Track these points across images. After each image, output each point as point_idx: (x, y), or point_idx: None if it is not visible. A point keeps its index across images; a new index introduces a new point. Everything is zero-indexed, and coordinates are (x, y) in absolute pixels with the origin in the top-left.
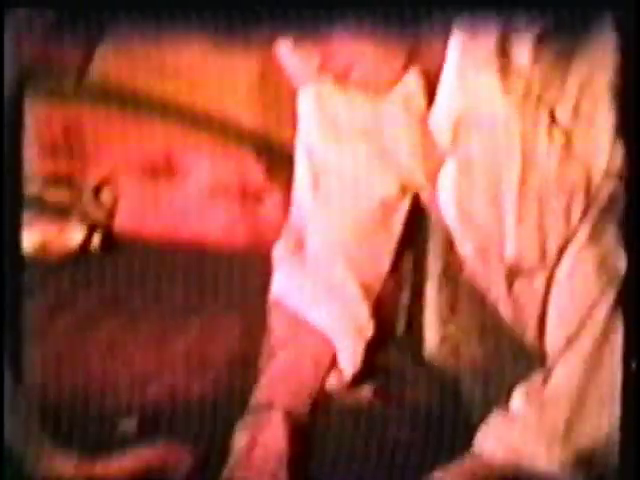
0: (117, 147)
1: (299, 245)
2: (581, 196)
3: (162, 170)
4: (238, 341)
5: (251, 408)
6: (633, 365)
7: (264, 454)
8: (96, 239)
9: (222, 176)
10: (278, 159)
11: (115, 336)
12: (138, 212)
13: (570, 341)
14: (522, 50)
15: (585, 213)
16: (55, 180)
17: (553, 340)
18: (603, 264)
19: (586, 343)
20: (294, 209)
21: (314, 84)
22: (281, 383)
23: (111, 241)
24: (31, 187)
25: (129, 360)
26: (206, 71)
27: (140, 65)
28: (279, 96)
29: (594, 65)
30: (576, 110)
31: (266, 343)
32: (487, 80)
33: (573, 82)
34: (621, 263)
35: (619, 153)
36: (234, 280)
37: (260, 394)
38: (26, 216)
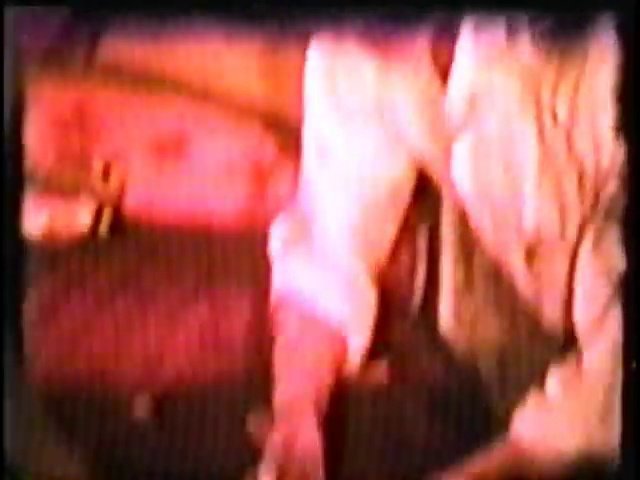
0: (127, 126)
1: (303, 229)
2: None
3: (172, 149)
4: (250, 322)
5: (277, 410)
6: (633, 365)
7: (302, 456)
8: (105, 219)
9: (234, 154)
10: (290, 135)
11: (125, 318)
12: (148, 191)
13: (598, 323)
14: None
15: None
16: (65, 158)
17: (582, 321)
18: (604, 265)
19: (613, 325)
20: (301, 190)
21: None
22: (303, 384)
23: (120, 221)
24: (40, 167)
25: (140, 342)
26: (215, 49)
27: (149, 44)
28: (288, 72)
29: (593, 65)
30: (574, 109)
31: (278, 342)
32: (499, 62)
33: (570, 81)
34: (621, 263)
35: (619, 153)
36: (246, 259)
37: (283, 395)
38: (33, 197)
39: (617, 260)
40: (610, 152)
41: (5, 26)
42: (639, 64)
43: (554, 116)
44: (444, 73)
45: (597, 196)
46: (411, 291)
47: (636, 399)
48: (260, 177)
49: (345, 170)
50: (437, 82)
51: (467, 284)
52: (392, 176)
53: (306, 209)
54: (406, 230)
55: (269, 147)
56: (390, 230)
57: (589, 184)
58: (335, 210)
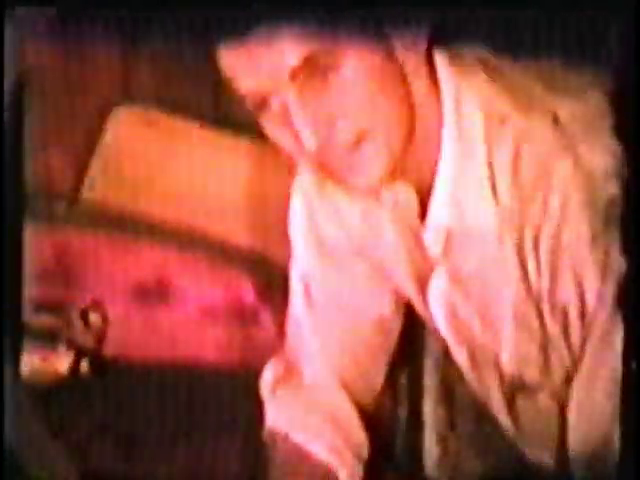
0: (107, 271)
1: (292, 370)
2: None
3: (153, 293)
4: (233, 463)
5: None
6: (633, 365)
7: None
8: (85, 364)
9: (214, 298)
10: (270, 279)
11: (106, 463)
12: (129, 336)
13: None
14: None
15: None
16: (44, 306)
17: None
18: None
19: None
20: (289, 331)
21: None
22: None
23: (101, 366)
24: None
25: None
26: (197, 192)
27: (131, 188)
28: (270, 216)
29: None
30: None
31: (268, 474)
32: (479, 193)
33: (553, 223)
34: (621, 264)
35: (606, 295)
36: (228, 401)
37: None
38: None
39: (617, 262)
40: (595, 294)
41: (5, 26)
42: (639, 65)
43: (536, 258)
44: (423, 202)
45: (584, 338)
46: (394, 430)
47: (636, 399)
48: (242, 319)
49: (332, 309)
50: (417, 218)
51: (451, 421)
52: (380, 314)
53: (295, 349)
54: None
55: (250, 288)
56: (379, 367)
57: (574, 326)
58: (324, 350)
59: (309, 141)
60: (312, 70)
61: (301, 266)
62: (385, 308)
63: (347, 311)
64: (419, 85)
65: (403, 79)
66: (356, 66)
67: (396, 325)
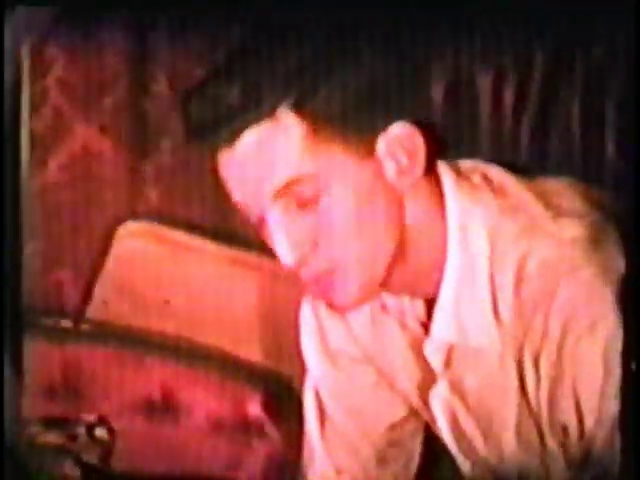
0: (114, 386)
1: None
2: None
3: (160, 407)
4: None
5: None
6: (633, 365)
7: None
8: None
9: (221, 412)
10: (279, 393)
11: None
12: (137, 450)
13: None
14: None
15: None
16: (50, 422)
17: None
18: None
19: None
20: (305, 448)
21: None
22: None
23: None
24: (27, 430)
25: None
26: (207, 307)
27: (138, 304)
28: (281, 330)
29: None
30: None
31: None
32: (481, 311)
33: (553, 347)
34: (621, 263)
35: (606, 418)
36: None
37: None
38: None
39: (617, 261)
40: (594, 417)
41: (5, 26)
42: (639, 65)
43: (536, 377)
44: (428, 313)
45: (585, 456)
46: None
47: (636, 399)
48: (249, 433)
49: (344, 418)
50: (421, 328)
51: None
52: (391, 420)
53: (308, 462)
54: None
55: (257, 402)
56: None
57: (573, 445)
58: (335, 461)
59: (286, 258)
60: (296, 192)
61: (312, 376)
62: (396, 413)
63: (359, 419)
64: (417, 204)
65: (396, 200)
66: (344, 189)
67: (413, 433)
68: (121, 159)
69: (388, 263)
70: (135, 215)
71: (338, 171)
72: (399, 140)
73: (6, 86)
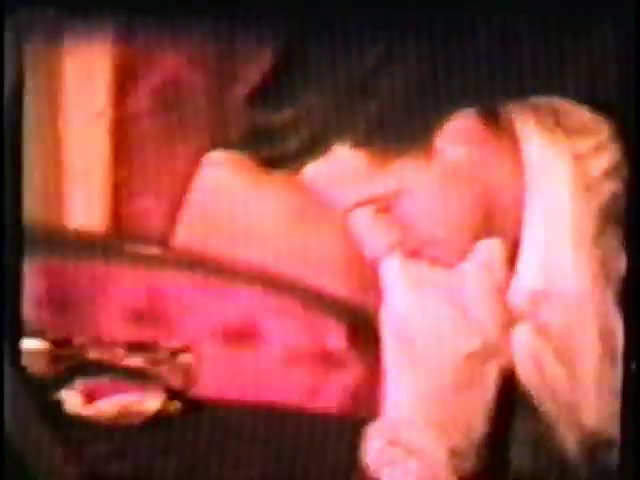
0: (198, 314)
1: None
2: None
3: (244, 336)
4: None
5: None
6: (633, 365)
7: None
8: (175, 405)
9: (304, 342)
10: (359, 326)
11: None
12: (219, 377)
13: None
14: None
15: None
16: (135, 347)
17: None
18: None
19: None
20: (384, 380)
21: (387, 257)
22: None
23: (190, 407)
24: (110, 353)
25: None
26: (289, 239)
27: (222, 233)
28: (362, 262)
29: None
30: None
31: None
32: (564, 256)
33: None
34: (621, 263)
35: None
36: (317, 446)
37: None
38: (104, 382)
39: (618, 261)
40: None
41: (5, 26)
42: (639, 66)
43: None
44: (512, 259)
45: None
46: None
47: (636, 399)
48: (330, 364)
49: (421, 349)
50: (503, 274)
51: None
52: (467, 351)
53: (392, 401)
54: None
55: (340, 334)
56: (473, 410)
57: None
58: (415, 391)
59: (369, 254)
60: (372, 204)
61: (392, 306)
62: (472, 346)
63: (435, 350)
64: (494, 166)
65: (471, 175)
66: (419, 189)
67: (489, 370)
68: (208, 89)
69: (475, 228)
70: (221, 144)
71: (407, 179)
72: (456, 131)
73: (6, 86)
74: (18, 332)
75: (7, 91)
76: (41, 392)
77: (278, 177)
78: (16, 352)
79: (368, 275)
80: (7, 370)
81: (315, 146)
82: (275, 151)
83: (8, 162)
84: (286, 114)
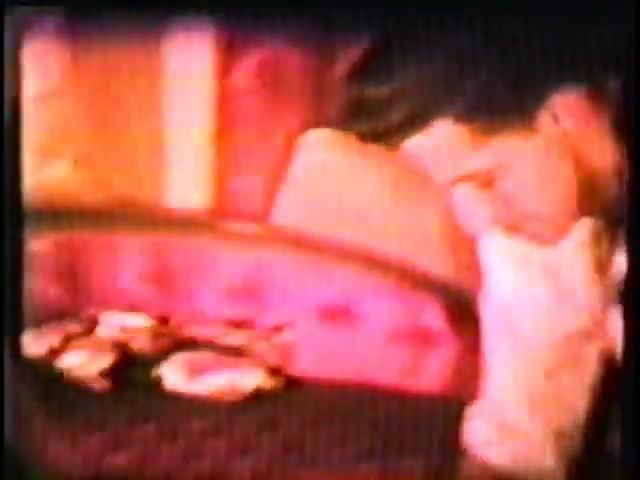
0: (297, 292)
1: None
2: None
3: (341, 314)
4: None
5: None
6: (633, 365)
7: None
8: (273, 382)
9: (401, 321)
10: (457, 304)
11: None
12: (317, 355)
13: None
14: None
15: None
16: (234, 324)
17: None
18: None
19: None
20: (483, 358)
21: (488, 233)
22: None
23: (289, 384)
24: (210, 330)
25: None
26: (387, 217)
27: (320, 211)
28: (459, 241)
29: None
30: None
31: None
32: None
33: None
34: (621, 263)
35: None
36: (413, 424)
37: None
38: (205, 359)
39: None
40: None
41: (5, 26)
42: (639, 65)
43: None
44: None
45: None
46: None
47: (636, 399)
48: (428, 343)
49: (522, 327)
50: (604, 252)
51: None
52: (567, 330)
53: (493, 381)
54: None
55: (437, 313)
56: (575, 391)
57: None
58: (513, 369)
59: (468, 229)
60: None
61: (492, 284)
62: (572, 325)
63: (536, 328)
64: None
65: (568, 152)
66: (520, 166)
67: (590, 352)
68: (308, 68)
69: (577, 206)
70: (320, 122)
71: (509, 154)
72: (560, 107)
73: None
74: (19, 325)
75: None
76: (142, 368)
77: (377, 154)
78: (17, 347)
79: (467, 253)
80: (7, 363)
81: (415, 121)
82: (374, 127)
83: (8, 162)
84: (386, 89)
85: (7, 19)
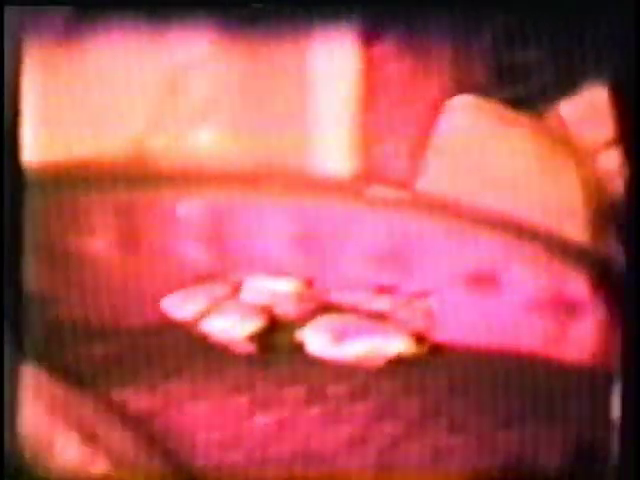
0: (440, 258)
1: None
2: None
3: (485, 282)
4: (554, 455)
5: None
6: (633, 367)
7: None
8: (418, 348)
9: (545, 290)
10: (604, 275)
11: (439, 445)
12: (461, 322)
13: None
14: None
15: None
16: (378, 290)
17: None
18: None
19: None
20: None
21: None
22: None
23: (433, 350)
24: (350, 296)
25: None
26: (531, 185)
27: (466, 176)
28: (605, 209)
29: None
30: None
31: None
32: None
33: None
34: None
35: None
36: (558, 394)
37: None
38: (349, 323)
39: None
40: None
41: (5, 26)
42: (639, 65)
43: None
44: None
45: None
46: None
47: (636, 399)
48: (571, 312)
49: None
50: None
51: None
52: None
53: None
54: None
55: (583, 282)
56: None
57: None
58: None
59: None
60: None
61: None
62: None
63: None
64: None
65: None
66: None
67: None
68: (452, 33)
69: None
70: (465, 88)
71: None
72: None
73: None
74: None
75: (7, 92)
76: (286, 332)
77: (522, 121)
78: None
79: (611, 221)
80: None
81: (562, 86)
82: (520, 92)
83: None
84: (531, 54)
85: (7, 19)
